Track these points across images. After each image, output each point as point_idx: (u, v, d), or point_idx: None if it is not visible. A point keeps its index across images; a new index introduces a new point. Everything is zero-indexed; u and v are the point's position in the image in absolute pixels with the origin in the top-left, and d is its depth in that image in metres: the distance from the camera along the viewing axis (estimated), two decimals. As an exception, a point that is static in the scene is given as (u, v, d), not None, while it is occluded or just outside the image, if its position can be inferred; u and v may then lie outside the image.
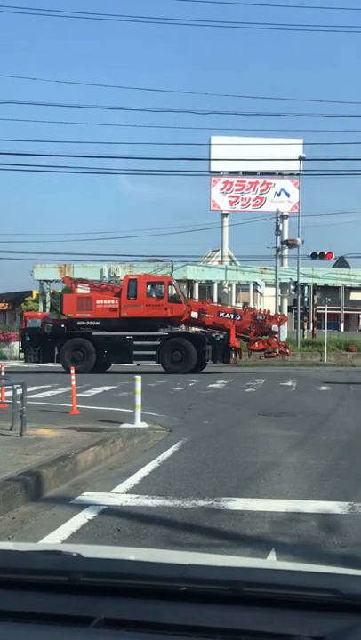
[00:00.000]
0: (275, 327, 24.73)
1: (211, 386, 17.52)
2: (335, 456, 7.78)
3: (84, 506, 5.57)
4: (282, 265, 40.65)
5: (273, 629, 1.32)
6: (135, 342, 23.16)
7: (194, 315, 24.45)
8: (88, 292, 24.77)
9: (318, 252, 36.77)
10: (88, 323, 23.88)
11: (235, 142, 40.34)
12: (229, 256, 50.44)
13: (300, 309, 37.03)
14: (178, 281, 42.98)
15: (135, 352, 23.16)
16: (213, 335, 23.61)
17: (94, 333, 23.50)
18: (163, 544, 4.57)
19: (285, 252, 42.15)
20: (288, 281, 39.72)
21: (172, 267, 39.45)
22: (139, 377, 10.50)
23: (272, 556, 4.18)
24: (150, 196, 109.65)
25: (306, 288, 39.92)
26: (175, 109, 69.30)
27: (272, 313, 27.50)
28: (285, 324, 28.38)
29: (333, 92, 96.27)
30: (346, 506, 5.55)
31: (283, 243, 39.15)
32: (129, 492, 6.14)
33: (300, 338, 34.66)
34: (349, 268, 55.82)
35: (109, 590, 1.48)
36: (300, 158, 35.42)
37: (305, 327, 39.84)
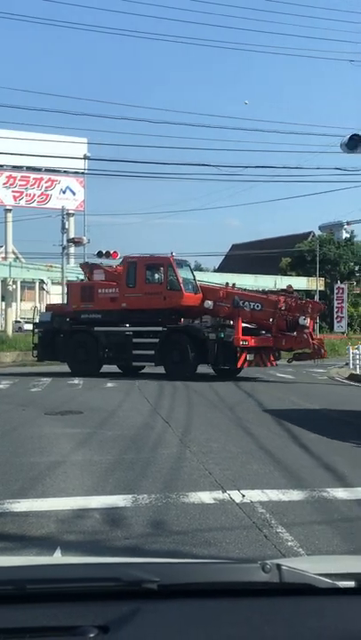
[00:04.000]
0: (303, 320, 18.78)
1: (-5, 386, 16.96)
2: (120, 450, 7.97)
3: None
4: (68, 263, 40.53)
5: (58, 623, 1.34)
6: (134, 340, 19.59)
7: (208, 304, 19.66)
8: (103, 279, 20.96)
9: (104, 252, 37.28)
10: (91, 316, 20.41)
11: (18, 136, 39.39)
12: (14, 252, 49.15)
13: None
14: None
15: (134, 351, 19.56)
16: (220, 331, 19.04)
17: (95, 328, 20.16)
18: None
19: (72, 249, 42.07)
20: (75, 279, 39.72)
21: None
22: None
23: (58, 553, 4.18)
24: None
25: (92, 286, 40.21)
26: None
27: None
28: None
29: (121, 95, 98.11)
30: (130, 498, 5.72)
31: (69, 241, 39.05)
32: None
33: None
34: (134, 267, 57.26)
35: None
36: (85, 157, 35.61)
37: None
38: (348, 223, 25.43)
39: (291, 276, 53.88)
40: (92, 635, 1.29)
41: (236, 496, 5.81)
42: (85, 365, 20.00)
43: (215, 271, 64.38)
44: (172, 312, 19.47)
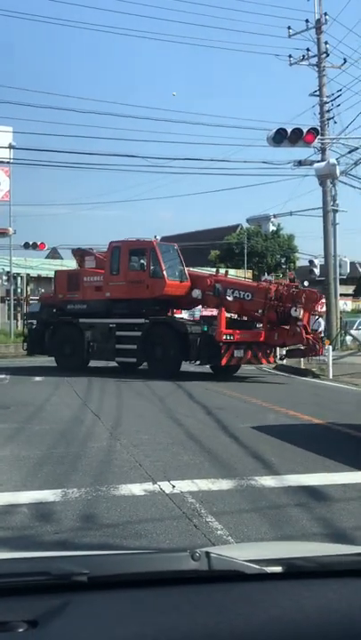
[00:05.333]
0: (295, 311, 16.31)
1: None
2: (49, 445, 7.87)
3: None
4: (-7, 254, 39.63)
5: None
6: (117, 333, 17.86)
7: (196, 293, 17.65)
8: (94, 266, 19.03)
9: (31, 243, 36.71)
10: (76, 306, 18.82)
11: None
12: None
13: (14, 300, 36.61)
14: None
15: (117, 345, 17.81)
16: (202, 324, 17.05)
17: (80, 320, 18.58)
18: None
19: (-3, 241, 41.14)
20: (0, 271, 38.88)
21: None
22: None
23: (-15, 551, 4.10)
24: None
25: (19, 278, 39.49)
26: None
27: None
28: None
29: (45, 84, 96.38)
30: (59, 493, 5.66)
31: (-6, 232, 38.17)
32: None
33: (14, 329, 34.23)
34: (62, 259, 56.64)
35: None
36: (10, 146, 34.85)
37: (19, 318, 39.50)
38: (274, 216, 25.84)
39: (220, 267, 54.46)
40: (20, 630, 1.27)
41: (166, 487, 5.85)
42: (71, 360, 18.69)
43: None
44: (156, 302, 17.65)
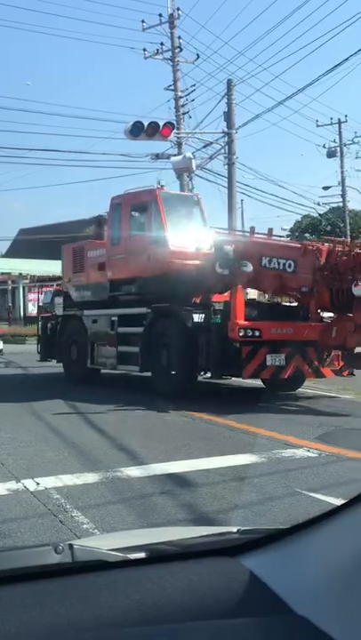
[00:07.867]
0: (359, 288, 9.90)
1: None
2: None
3: None
4: None
5: None
6: (120, 329, 12.69)
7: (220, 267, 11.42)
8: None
9: None
10: (82, 293, 14.02)
11: None
12: None
13: None
14: None
15: (120, 347, 12.59)
16: (212, 315, 10.79)
17: (85, 313, 13.72)
18: None
19: None
20: None
21: None
22: None
23: None
24: None
25: None
26: None
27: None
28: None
29: None
30: None
31: None
32: None
33: None
34: None
35: None
36: None
37: None
38: (134, 209, 26.00)
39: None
40: None
41: (30, 485, 5.74)
42: (76, 367, 14.04)
43: (3, 256, 62.46)
44: (163, 281, 11.67)
